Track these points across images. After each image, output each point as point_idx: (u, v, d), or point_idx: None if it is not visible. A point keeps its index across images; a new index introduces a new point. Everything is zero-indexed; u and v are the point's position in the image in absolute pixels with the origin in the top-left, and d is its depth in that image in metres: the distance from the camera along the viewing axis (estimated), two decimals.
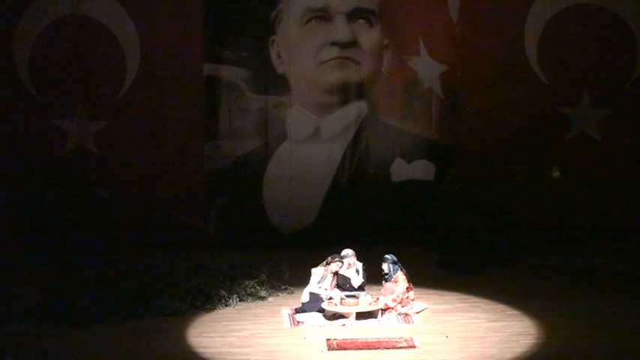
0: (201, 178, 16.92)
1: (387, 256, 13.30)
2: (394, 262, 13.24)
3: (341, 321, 12.65)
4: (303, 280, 13.43)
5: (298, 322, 12.68)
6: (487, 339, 11.94)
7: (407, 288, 13.10)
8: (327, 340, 11.89)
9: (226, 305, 13.35)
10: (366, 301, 12.86)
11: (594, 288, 14.13)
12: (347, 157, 17.11)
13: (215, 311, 13.17)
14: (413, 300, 13.11)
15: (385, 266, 13.24)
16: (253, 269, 14.44)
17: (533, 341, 11.83)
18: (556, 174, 16.07)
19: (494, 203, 15.77)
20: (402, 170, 17.13)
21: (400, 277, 13.13)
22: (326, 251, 13.56)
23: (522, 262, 15.57)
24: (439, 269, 15.25)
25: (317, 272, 13.26)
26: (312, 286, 13.15)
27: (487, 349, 11.57)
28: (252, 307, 13.39)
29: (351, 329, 12.43)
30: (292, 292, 13.94)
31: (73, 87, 16.57)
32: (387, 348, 11.64)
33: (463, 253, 15.28)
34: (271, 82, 16.95)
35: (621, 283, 14.36)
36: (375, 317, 12.76)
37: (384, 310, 12.85)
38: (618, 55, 16.79)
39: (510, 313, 13.02)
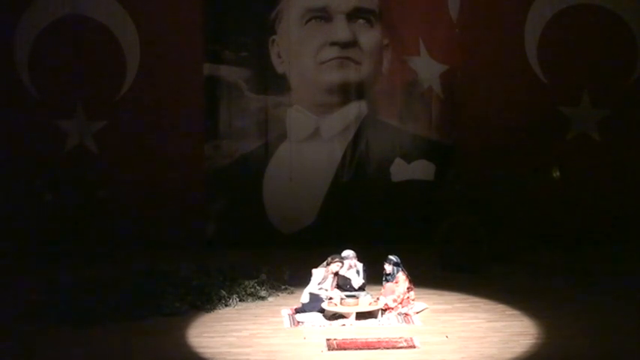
0: (201, 178, 16.92)
1: (390, 256, 13.30)
2: (397, 264, 13.24)
3: (341, 321, 12.65)
4: (303, 280, 13.43)
5: (298, 322, 12.68)
6: (487, 339, 11.94)
7: (408, 288, 13.10)
8: (327, 340, 11.89)
9: (226, 305, 13.36)
10: (366, 301, 12.87)
11: (594, 288, 14.14)
12: (347, 157, 17.11)
13: (215, 311, 13.17)
14: (414, 300, 13.12)
15: (388, 267, 13.24)
16: (253, 269, 14.45)
17: (533, 341, 11.84)
18: (556, 174, 16.05)
19: (495, 203, 15.76)
20: (402, 170, 17.12)
21: (401, 277, 13.14)
22: (326, 251, 13.56)
23: (522, 261, 15.57)
24: (439, 269, 15.25)
25: (317, 273, 13.26)
26: (312, 287, 13.15)
27: (487, 349, 11.57)
28: (252, 307, 13.39)
29: (351, 329, 12.43)
30: (292, 292, 13.95)
31: (73, 87, 16.56)
32: (387, 348, 11.64)
33: (463, 253, 15.28)
34: (271, 82, 16.94)
35: (621, 283, 14.36)
36: (375, 317, 12.77)
37: (384, 310, 12.85)
38: (618, 55, 16.78)
39: (510, 313, 13.03)
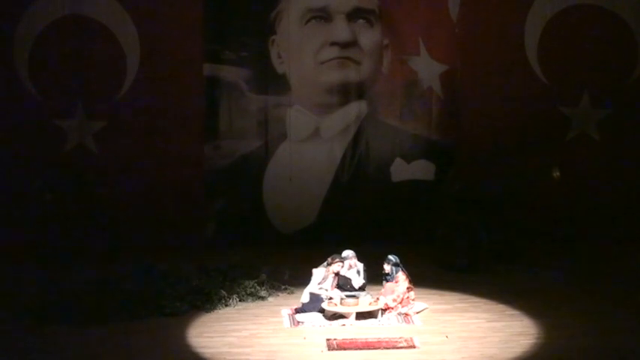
0: (201, 178, 16.92)
1: (389, 256, 13.30)
2: (396, 264, 13.24)
3: (341, 321, 12.65)
4: (303, 280, 13.43)
5: (298, 322, 12.68)
6: (487, 339, 11.94)
7: (408, 288, 13.10)
8: (327, 340, 11.89)
9: (226, 305, 13.35)
10: (366, 301, 12.87)
11: (594, 288, 14.14)
12: (347, 157, 17.11)
13: (215, 311, 13.17)
14: (414, 300, 13.12)
15: (387, 267, 13.24)
16: (253, 269, 14.45)
17: (533, 341, 11.84)
18: (556, 174, 16.06)
19: (494, 203, 15.76)
20: (402, 170, 17.13)
21: (401, 277, 13.14)
22: (326, 251, 13.56)
23: (522, 261, 15.56)
24: (439, 269, 15.25)
25: (318, 273, 13.27)
26: (313, 287, 13.16)
27: (487, 349, 11.57)
28: (252, 307, 13.39)
29: (351, 329, 12.43)
30: (292, 292, 13.95)
31: (73, 87, 16.56)
32: (387, 348, 11.64)
33: (463, 253, 15.27)
34: (271, 82, 16.95)
35: (621, 283, 14.36)
36: (375, 317, 12.77)
37: (384, 310, 12.85)
38: (618, 55, 16.78)
39: (510, 313, 13.03)
